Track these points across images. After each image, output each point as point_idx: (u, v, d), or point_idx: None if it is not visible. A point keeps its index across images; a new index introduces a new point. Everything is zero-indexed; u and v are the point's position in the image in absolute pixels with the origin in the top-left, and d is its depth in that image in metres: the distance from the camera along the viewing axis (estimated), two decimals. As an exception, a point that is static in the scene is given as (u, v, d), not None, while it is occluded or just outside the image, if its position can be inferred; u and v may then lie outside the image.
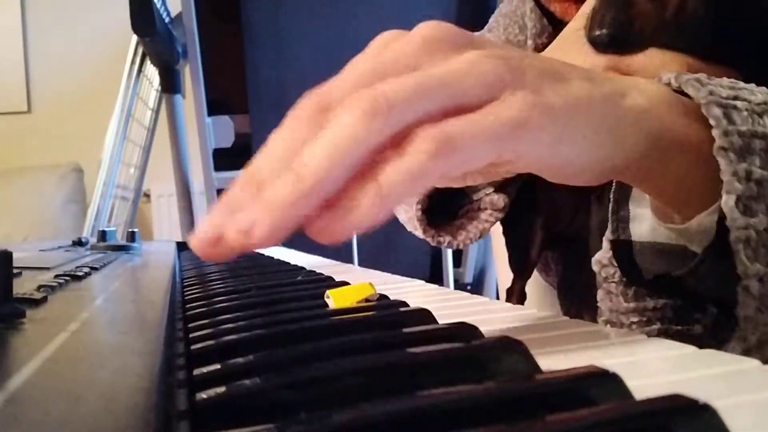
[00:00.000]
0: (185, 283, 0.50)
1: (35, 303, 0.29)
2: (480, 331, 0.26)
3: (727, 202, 0.32)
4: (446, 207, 0.54)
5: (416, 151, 0.25)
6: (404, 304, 0.35)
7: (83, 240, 0.79)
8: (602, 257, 0.42)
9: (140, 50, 1.88)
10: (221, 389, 0.20)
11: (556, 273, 0.63)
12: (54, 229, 2.39)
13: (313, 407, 0.19)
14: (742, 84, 0.35)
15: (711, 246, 0.35)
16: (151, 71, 1.92)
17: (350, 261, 1.70)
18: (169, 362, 0.21)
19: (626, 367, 0.20)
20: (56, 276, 0.39)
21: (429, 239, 0.54)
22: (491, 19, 0.63)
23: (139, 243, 0.74)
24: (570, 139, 0.29)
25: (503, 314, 0.35)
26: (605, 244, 0.42)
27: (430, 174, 0.25)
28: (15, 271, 0.27)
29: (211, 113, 1.64)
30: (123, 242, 0.73)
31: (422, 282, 0.49)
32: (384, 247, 1.72)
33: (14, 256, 0.26)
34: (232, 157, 1.70)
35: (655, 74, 0.36)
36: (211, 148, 1.66)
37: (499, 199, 0.52)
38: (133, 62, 1.90)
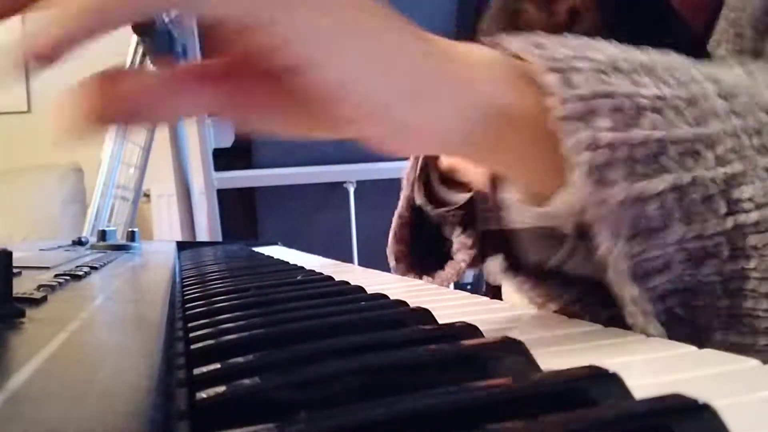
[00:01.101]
0: (185, 283, 0.50)
1: (35, 303, 0.29)
2: (480, 331, 0.26)
3: (574, 177, 0.29)
4: (433, 251, 0.57)
5: None
6: (404, 304, 0.35)
7: (83, 240, 0.79)
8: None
9: (140, 50, 1.88)
10: (221, 389, 0.20)
11: None
12: (54, 229, 2.39)
13: (313, 407, 0.19)
14: (592, 42, 0.32)
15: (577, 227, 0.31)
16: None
17: (350, 261, 1.70)
18: (169, 362, 0.21)
19: (626, 367, 0.20)
20: (56, 275, 0.39)
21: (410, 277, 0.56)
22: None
23: (139, 243, 0.74)
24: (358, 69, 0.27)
25: (503, 314, 0.35)
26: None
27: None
28: (15, 270, 0.27)
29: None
30: (123, 242, 0.73)
31: (422, 282, 0.49)
32: (384, 247, 1.72)
33: (14, 255, 0.26)
34: (232, 157, 1.70)
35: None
36: (211, 148, 1.66)
37: (468, 239, 0.52)
38: (133, 62, 1.90)
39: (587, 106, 0.29)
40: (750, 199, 0.30)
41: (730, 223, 0.30)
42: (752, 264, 0.30)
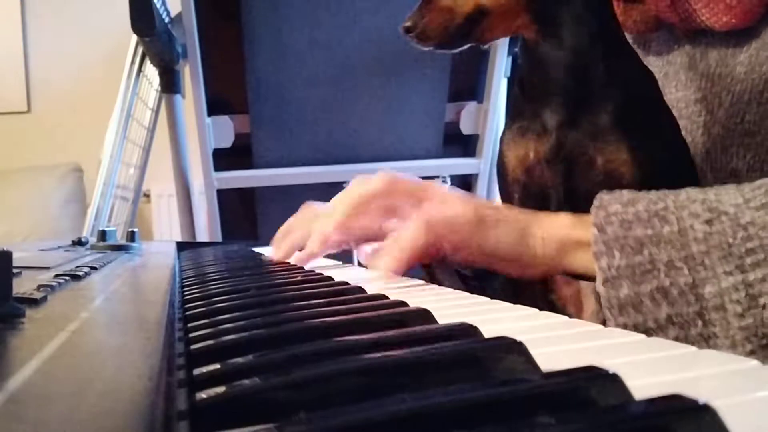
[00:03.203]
0: (185, 283, 0.50)
1: (35, 303, 0.29)
2: (480, 331, 0.26)
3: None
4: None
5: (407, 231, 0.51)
6: (404, 304, 0.35)
7: (83, 240, 0.79)
8: None
9: (140, 50, 1.88)
10: (221, 389, 0.20)
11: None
12: (54, 229, 2.39)
13: (313, 407, 0.19)
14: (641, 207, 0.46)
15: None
16: (151, 71, 1.92)
17: (350, 261, 1.70)
18: (169, 362, 0.21)
19: (626, 367, 0.20)
20: (56, 276, 0.39)
21: None
22: None
23: (139, 243, 0.74)
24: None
25: (503, 314, 0.35)
26: None
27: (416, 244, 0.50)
28: (15, 270, 0.27)
29: (211, 113, 1.64)
30: (123, 242, 0.73)
31: (422, 282, 0.49)
32: (384, 247, 1.71)
33: (14, 255, 0.26)
34: (232, 157, 1.70)
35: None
36: (211, 148, 1.66)
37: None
38: (133, 62, 1.89)
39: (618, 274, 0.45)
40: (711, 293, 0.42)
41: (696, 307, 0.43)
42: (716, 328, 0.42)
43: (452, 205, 0.51)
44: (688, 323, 0.42)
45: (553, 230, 0.50)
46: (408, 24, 0.59)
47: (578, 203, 0.56)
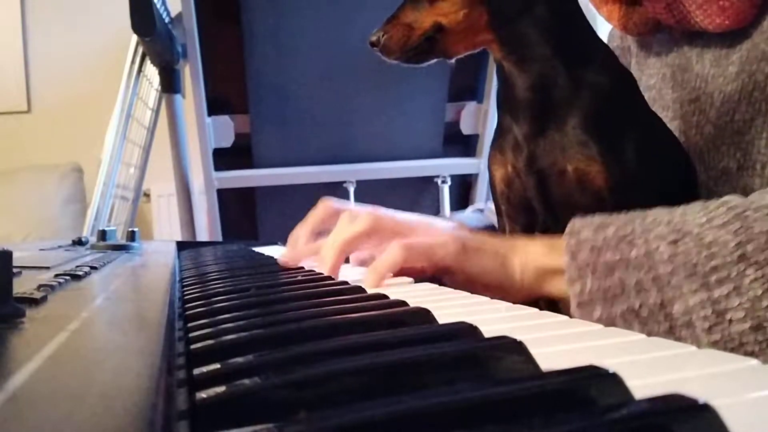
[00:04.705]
0: (185, 283, 0.50)
1: (35, 302, 0.29)
2: (480, 331, 0.26)
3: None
4: None
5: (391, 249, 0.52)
6: (404, 303, 0.35)
7: (83, 239, 0.79)
8: None
9: (140, 50, 1.88)
10: (221, 389, 0.20)
11: None
12: (54, 229, 2.39)
13: (313, 407, 0.19)
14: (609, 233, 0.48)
15: None
16: (151, 71, 1.92)
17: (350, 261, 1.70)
18: (169, 362, 0.21)
19: (626, 367, 0.20)
20: (56, 275, 0.39)
21: None
22: None
23: (139, 242, 0.74)
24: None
25: (503, 314, 0.35)
26: None
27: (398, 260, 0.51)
28: (15, 270, 0.27)
29: (211, 113, 1.64)
30: (123, 242, 0.73)
31: (422, 282, 0.49)
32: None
33: (14, 255, 0.26)
34: (232, 157, 1.70)
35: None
36: (211, 148, 1.66)
37: None
38: (133, 62, 1.90)
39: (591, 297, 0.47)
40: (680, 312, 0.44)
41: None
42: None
43: (434, 235, 0.54)
44: None
45: (529, 259, 0.53)
46: (373, 39, 0.62)
47: (557, 211, 0.59)
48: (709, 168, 0.63)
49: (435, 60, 0.62)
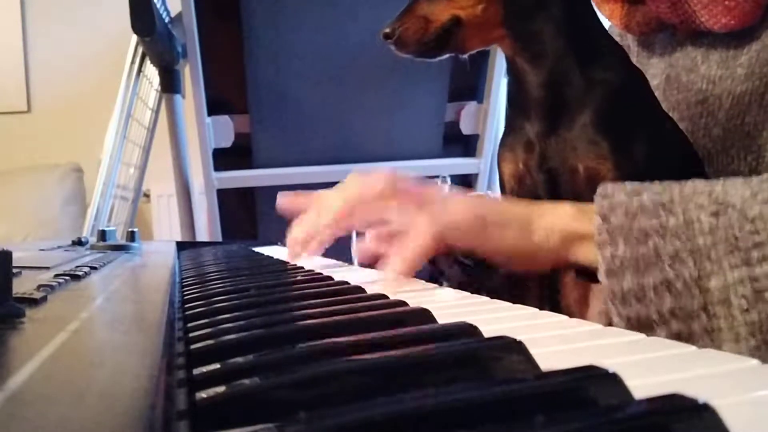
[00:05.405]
0: (184, 283, 0.50)
1: (35, 303, 0.29)
2: (480, 331, 0.26)
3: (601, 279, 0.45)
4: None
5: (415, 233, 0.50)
6: (404, 303, 0.35)
7: (83, 240, 0.79)
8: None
9: (140, 50, 1.88)
10: (221, 389, 0.20)
11: None
12: (54, 229, 2.39)
13: (313, 407, 0.19)
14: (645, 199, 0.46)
15: None
16: (151, 71, 1.92)
17: (350, 261, 1.70)
18: (169, 362, 0.21)
19: (626, 367, 0.20)
20: (56, 275, 0.39)
21: None
22: None
23: (139, 243, 0.74)
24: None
25: (503, 314, 0.35)
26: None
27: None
28: (15, 270, 0.27)
29: (211, 113, 1.64)
30: (123, 242, 0.73)
31: (422, 282, 0.49)
32: (384, 247, 1.71)
33: (14, 255, 0.26)
34: (232, 157, 1.70)
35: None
36: (211, 148, 1.66)
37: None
38: (133, 62, 1.89)
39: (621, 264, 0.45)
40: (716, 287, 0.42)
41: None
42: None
43: (455, 208, 0.52)
44: (691, 316, 0.42)
45: (555, 222, 0.50)
46: (387, 30, 0.60)
47: None
48: (717, 171, 0.63)
49: (447, 55, 0.61)
